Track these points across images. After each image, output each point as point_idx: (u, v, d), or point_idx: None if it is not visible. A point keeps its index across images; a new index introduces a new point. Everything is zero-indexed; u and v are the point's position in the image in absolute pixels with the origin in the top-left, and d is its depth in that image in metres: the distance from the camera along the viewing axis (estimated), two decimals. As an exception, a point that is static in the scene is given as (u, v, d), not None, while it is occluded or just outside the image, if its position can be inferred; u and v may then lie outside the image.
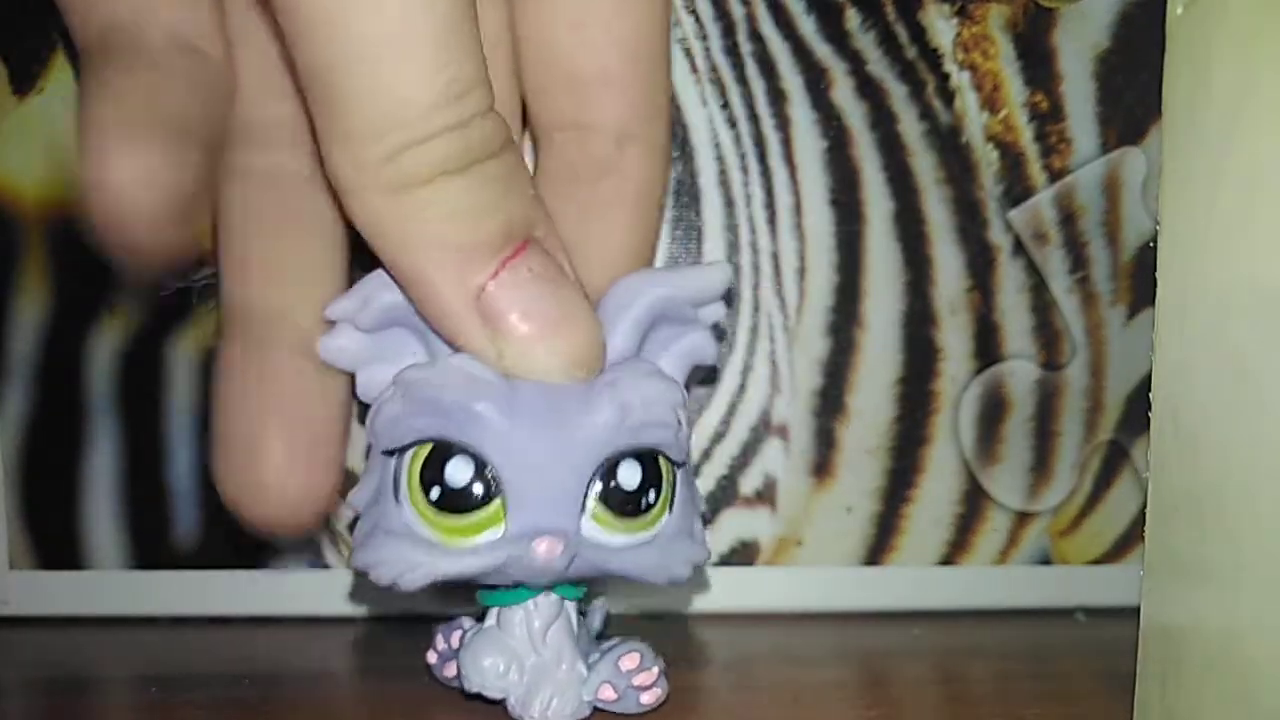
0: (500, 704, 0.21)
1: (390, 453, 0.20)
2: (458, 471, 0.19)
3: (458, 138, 0.18)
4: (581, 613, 0.22)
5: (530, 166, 0.22)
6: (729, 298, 0.22)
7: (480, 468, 0.19)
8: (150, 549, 0.27)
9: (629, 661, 0.21)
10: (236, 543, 0.27)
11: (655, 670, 0.21)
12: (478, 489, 0.19)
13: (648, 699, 0.21)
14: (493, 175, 0.19)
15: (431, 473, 0.19)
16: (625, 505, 0.20)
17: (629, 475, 0.20)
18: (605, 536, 0.20)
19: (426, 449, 0.19)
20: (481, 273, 0.19)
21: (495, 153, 0.19)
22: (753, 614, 0.28)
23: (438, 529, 0.19)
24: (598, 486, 0.20)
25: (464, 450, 0.19)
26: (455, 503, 0.19)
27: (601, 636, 0.23)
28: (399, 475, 0.20)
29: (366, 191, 0.18)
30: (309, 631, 0.27)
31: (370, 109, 0.18)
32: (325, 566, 0.27)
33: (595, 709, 0.21)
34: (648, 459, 0.20)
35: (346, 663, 0.25)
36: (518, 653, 0.21)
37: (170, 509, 0.27)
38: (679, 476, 0.21)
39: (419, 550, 0.19)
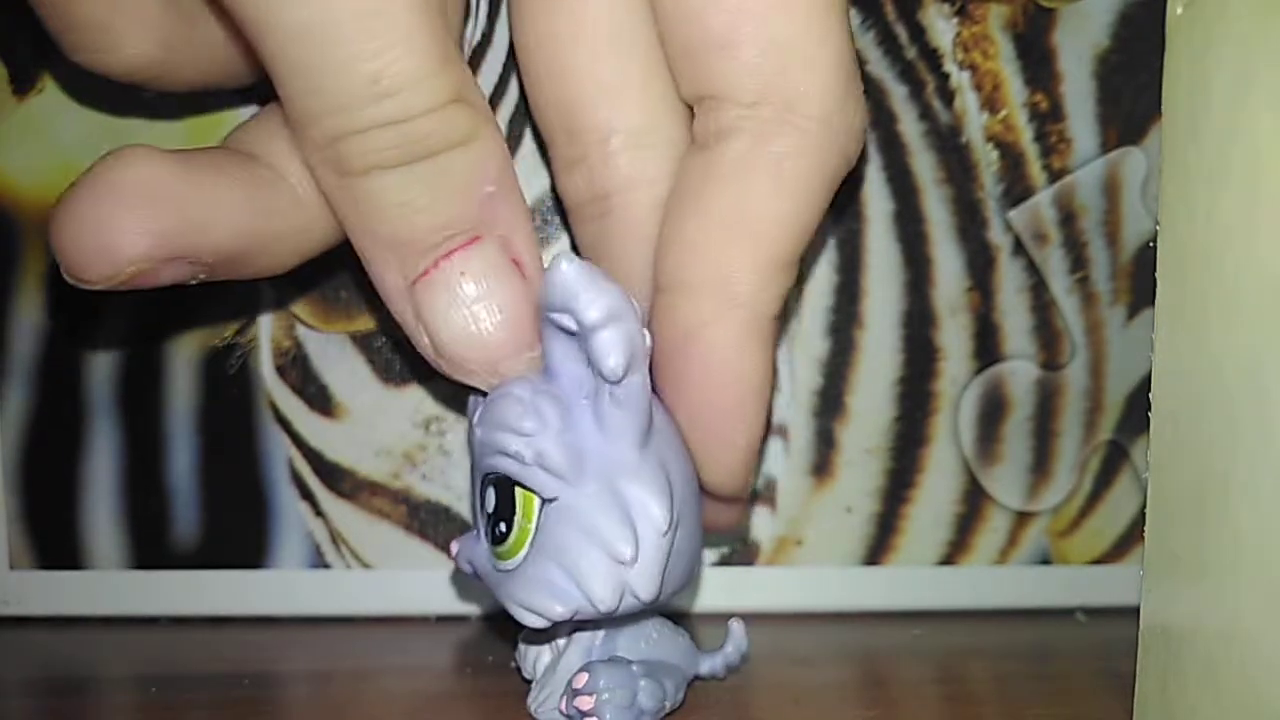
0: (495, 702, 0.22)
1: None
2: None
3: (391, 134, 0.18)
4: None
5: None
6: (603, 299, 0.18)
7: None
8: (150, 549, 0.27)
9: (578, 680, 0.20)
10: (236, 543, 0.27)
11: (593, 698, 0.19)
12: None
13: None
14: (430, 174, 0.18)
15: None
16: (488, 528, 0.19)
17: (490, 499, 0.19)
18: (492, 555, 0.20)
19: None
20: (414, 267, 0.19)
21: (436, 152, 0.18)
22: (753, 614, 0.28)
23: None
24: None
25: None
26: None
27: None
28: None
29: (319, 169, 0.19)
30: (309, 631, 0.27)
31: (306, 96, 0.18)
32: (325, 566, 0.27)
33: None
34: (502, 486, 0.19)
35: (347, 663, 0.25)
36: (547, 645, 0.22)
37: (170, 509, 0.27)
38: (548, 515, 0.19)
39: None
